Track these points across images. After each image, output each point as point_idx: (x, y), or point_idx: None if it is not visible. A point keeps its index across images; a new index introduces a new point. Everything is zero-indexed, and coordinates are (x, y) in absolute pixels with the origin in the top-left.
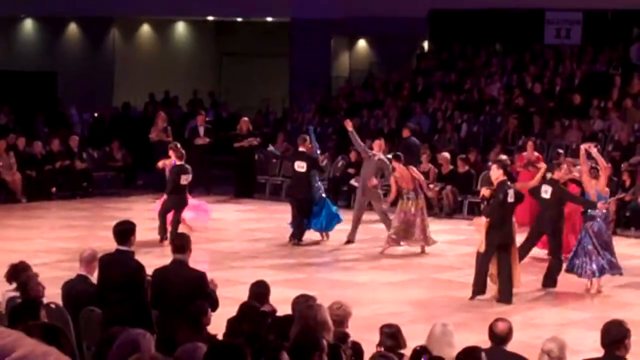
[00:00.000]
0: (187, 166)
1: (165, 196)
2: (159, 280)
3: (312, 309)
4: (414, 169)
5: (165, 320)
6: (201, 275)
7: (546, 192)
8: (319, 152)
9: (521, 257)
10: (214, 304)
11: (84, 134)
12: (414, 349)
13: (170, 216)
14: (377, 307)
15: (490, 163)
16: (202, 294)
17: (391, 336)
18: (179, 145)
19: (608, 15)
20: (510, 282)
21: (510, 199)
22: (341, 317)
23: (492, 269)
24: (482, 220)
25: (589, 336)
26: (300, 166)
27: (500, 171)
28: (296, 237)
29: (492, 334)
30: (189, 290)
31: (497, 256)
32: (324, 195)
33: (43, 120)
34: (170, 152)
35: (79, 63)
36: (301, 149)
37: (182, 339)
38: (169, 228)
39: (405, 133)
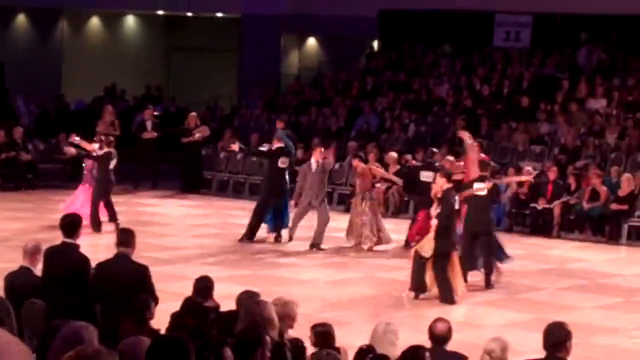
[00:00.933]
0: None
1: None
2: (102, 274)
3: (259, 305)
4: (376, 166)
5: (108, 313)
6: (144, 269)
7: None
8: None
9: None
10: (155, 299)
11: (31, 126)
12: (359, 348)
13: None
14: (321, 305)
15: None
16: (145, 288)
17: (322, 335)
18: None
19: (557, 18)
20: (449, 283)
21: (457, 206)
22: (282, 314)
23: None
24: (434, 223)
25: (531, 337)
26: (283, 162)
27: (444, 179)
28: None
29: (432, 334)
30: (132, 284)
31: (434, 262)
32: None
33: None
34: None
35: (27, 54)
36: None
37: (125, 332)
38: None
39: (279, 125)
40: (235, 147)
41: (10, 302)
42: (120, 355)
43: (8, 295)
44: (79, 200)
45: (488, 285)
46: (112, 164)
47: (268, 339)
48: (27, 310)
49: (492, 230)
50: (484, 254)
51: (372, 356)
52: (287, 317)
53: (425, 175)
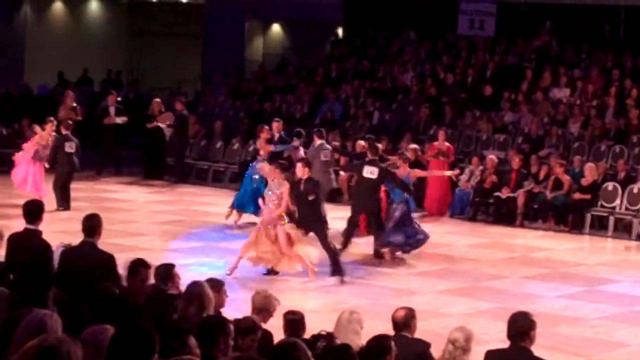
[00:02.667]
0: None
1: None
2: (67, 261)
3: (197, 285)
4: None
5: (72, 301)
6: (109, 258)
7: (372, 172)
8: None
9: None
10: (120, 288)
11: None
12: (313, 335)
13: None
14: (287, 294)
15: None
16: (111, 276)
17: (294, 322)
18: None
19: (521, 7)
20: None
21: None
22: (260, 306)
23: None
24: None
25: (495, 326)
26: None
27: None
28: None
29: (393, 321)
30: (97, 272)
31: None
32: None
33: None
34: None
35: None
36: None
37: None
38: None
39: (178, 106)
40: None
41: None
42: (83, 344)
43: None
44: (22, 167)
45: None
46: (68, 147)
47: (231, 327)
48: None
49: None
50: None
51: (325, 344)
52: (265, 310)
53: (369, 171)
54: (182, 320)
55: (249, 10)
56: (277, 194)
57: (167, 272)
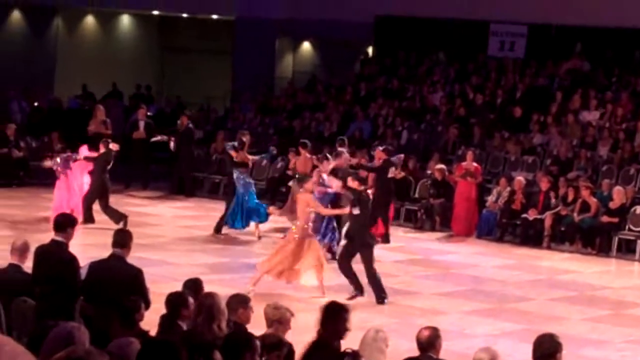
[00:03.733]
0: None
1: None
2: (95, 273)
3: (210, 297)
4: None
5: (99, 314)
6: (137, 272)
7: None
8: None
9: None
10: (147, 303)
11: (23, 123)
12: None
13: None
14: (311, 310)
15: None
16: (138, 290)
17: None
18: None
19: (552, 29)
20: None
21: None
22: (272, 317)
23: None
24: None
25: (520, 348)
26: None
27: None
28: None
29: (418, 341)
30: (124, 286)
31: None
32: (241, 190)
33: None
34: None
35: (20, 51)
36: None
37: (115, 333)
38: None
39: (184, 121)
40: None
41: None
42: (110, 357)
43: None
44: (62, 196)
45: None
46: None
47: (257, 343)
48: (17, 309)
49: None
50: None
51: None
52: (277, 321)
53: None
54: (192, 331)
55: (280, 28)
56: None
57: (194, 286)
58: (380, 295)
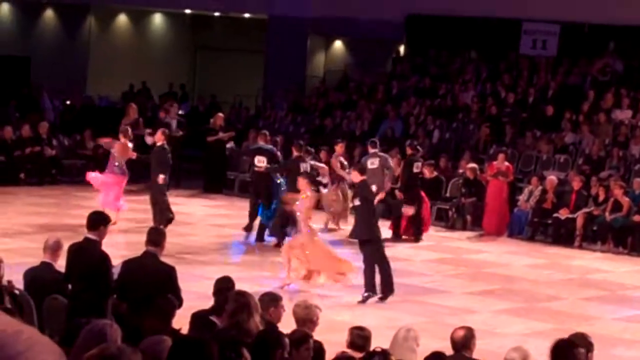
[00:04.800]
0: None
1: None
2: (129, 271)
3: (245, 295)
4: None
5: (132, 311)
6: (171, 270)
7: None
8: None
9: None
10: (180, 301)
11: (55, 121)
12: (368, 351)
13: None
14: (341, 309)
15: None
16: (171, 288)
17: (362, 338)
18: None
19: (585, 28)
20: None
21: None
22: (304, 317)
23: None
24: None
25: None
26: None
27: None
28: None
29: (452, 341)
30: (157, 284)
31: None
32: None
33: (15, 105)
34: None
35: (53, 49)
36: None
37: (149, 330)
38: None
39: (162, 114)
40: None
41: (31, 297)
42: (142, 355)
43: (29, 290)
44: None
45: None
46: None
47: (287, 340)
48: (49, 307)
49: None
50: None
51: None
52: (309, 320)
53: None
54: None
55: (312, 26)
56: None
57: (225, 285)
58: (368, 292)
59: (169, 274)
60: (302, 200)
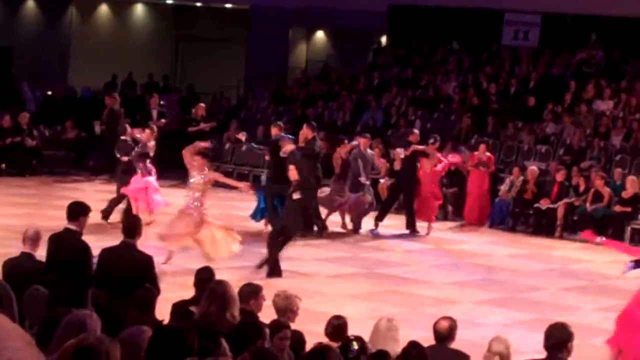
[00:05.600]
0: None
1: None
2: (106, 261)
3: (221, 284)
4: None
5: (111, 301)
6: (148, 259)
7: None
8: None
9: None
10: (157, 290)
11: (36, 112)
12: (345, 337)
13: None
14: (322, 299)
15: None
16: (149, 277)
17: (338, 327)
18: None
19: (567, 19)
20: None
21: None
22: (284, 307)
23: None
24: None
25: (532, 337)
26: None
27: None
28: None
29: (435, 331)
30: (135, 273)
31: None
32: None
33: None
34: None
35: (35, 40)
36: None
37: (129, 321)
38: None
39: (108, 101)
40: (242, 136)
41: (11, 288)
42: (121, 345)
43: (9, 281)
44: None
45: None
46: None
47: (267, 330)
48: (29, 297)
49: None
50: None
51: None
52: (290, 310)
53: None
54: (203, 319)
55: (293, 17)
56: None
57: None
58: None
59: (147, 262)
60: None
